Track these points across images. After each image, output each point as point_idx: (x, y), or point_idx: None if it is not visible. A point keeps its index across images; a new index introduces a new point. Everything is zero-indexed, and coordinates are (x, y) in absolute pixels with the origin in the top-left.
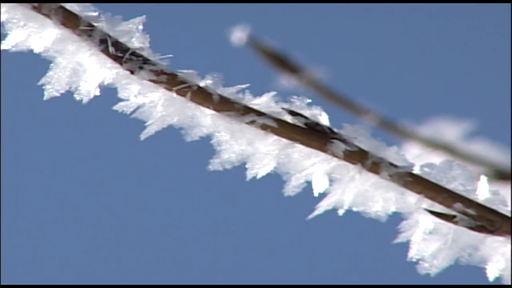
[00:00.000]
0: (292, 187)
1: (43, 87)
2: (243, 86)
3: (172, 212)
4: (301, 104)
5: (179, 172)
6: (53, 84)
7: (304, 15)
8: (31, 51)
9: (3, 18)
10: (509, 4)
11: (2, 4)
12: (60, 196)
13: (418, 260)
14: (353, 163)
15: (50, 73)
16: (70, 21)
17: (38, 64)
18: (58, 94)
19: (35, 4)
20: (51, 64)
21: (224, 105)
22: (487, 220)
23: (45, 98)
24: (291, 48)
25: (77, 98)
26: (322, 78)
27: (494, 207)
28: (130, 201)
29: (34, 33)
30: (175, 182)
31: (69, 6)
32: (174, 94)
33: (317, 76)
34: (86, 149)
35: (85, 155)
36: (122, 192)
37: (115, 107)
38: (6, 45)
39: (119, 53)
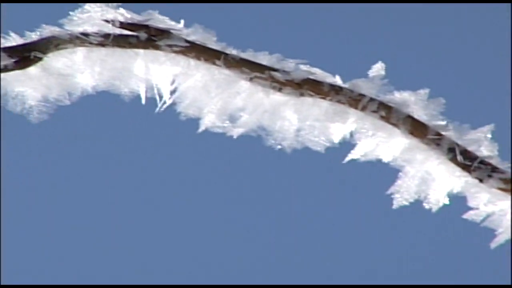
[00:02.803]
0: None
1: (392, 196)
2: None
3: None
4: None
5: None
6: (402, 193)
7: None
8: (379, 160)
9: (352, 128)
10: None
11: (351, 113)
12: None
13: None
14: None
15: (399, 182)
16: (418, 130)
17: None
18: (407, 203)
19: (383, 114)
20: (400, 173)
21: None
22: None
23: (394, 207)
24: None
25: (426, 207)
26: None
27: None
28: None
29: (383, 143)
30: None
31: (416, 115)
32: None
33: None
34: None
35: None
36: None
37: (465, 216)
38: (356, 154)
39: (467, 161)
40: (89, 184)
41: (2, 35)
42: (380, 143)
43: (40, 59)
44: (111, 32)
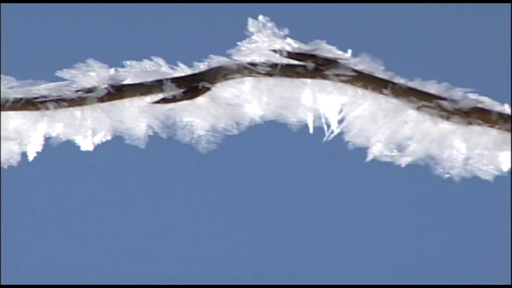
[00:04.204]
0: None
1: None
2: None
3: None
4: None
5: None
6: None
7: None
8: None
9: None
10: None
11: None
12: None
13: None
14: None
15: None
16: None
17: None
18: None
19: None
20: None
21: None
22: None
23: None
24: None
25: None
26: None
27: None
28: None
29: None
30: None
31: None
32: None
33: None
34: None
35: None
36: None
37: None
38: None
39: None
40: (251, 212)
41: (170, 65)
42: None
43: (208, 89)
44: (278, 62)
